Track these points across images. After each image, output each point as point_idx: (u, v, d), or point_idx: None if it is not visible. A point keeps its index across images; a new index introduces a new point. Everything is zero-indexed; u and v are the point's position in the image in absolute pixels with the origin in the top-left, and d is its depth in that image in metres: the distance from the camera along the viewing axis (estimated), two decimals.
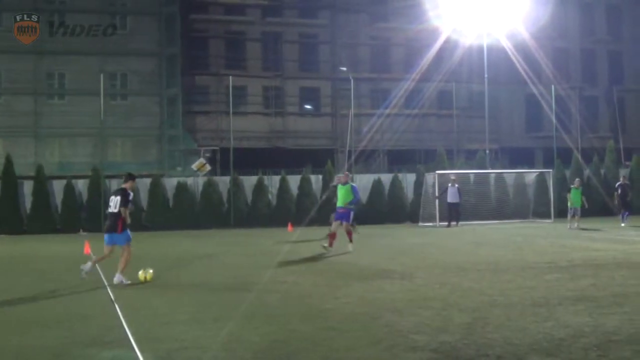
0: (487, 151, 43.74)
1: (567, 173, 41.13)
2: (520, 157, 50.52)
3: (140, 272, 14.35)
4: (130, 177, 14.96)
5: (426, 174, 38.14)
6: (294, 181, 38.85)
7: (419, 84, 49.60)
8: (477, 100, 50.14)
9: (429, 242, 24.59)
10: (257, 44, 52.52)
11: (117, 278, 14.09)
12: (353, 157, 42.46)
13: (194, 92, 50.47)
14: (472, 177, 39.37)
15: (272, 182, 39.36)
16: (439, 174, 36.42)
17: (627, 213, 32.04)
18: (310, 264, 17.31)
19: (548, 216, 36.67)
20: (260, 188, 38.48)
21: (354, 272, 15.31)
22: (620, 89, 57.35)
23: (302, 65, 53.41)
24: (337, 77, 51.69)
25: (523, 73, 46.77)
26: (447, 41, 47.53)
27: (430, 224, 35.07)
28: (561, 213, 35.34)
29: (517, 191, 39.94)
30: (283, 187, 38.67)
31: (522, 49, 47.68)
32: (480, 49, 45.18)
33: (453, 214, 34.57)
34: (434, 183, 36.33)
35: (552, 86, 45.10)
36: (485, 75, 44.13)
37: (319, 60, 53.74)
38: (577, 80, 56.96)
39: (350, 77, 44.59)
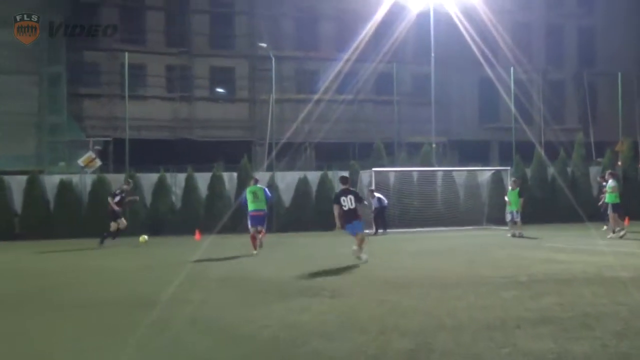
0: (434, 145, 44.20)
1: (529, 172, 41.80)
2: (473, 153, 51.20)
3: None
4: (347, 179, 22.47)
5: (361, 172, 38.33)
6: (203, 179, 38.67)
7: (353, 64, 49.85)
8: (422, 84, 50.59)
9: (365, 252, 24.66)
10: (159, 14, 52.12)
11: (356, 251, 20.77)
12: (274, 151, 42.44)
13: (82, 70, 49.85)
14: (415, 176, 39.68)
15: (177, 180, 39.12)
16: (377, 172, 36.61)
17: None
18: (222, 280, 17.19)
19: (505, 222, 37.18)
20: (161, 188, 38.21)
21: (274, 289, 15.25)
22: (591, 73, 58.39)
23: (214, 41, 53.17)
24: (256, 55, 51.62)
25: (477, 53, 47.34)
26: (387, 14, 47.75)
27: (367, 231, 35.18)
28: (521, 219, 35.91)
29: (468, 193, 40.43)
30: (190, 186, 38.44)
31: (477, 24, 48.21)
32: (426, 24, 45.49)
33: (378, 221, 35.33)
34: (370, 182, 36.49)
35: (512, 68, 45.79)
36: (432, 55, 44.48)
37: (234, 34, 53.58)
38: (540, 62, 57.97)
39: (272, 56, 44.59)
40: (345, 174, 26.83)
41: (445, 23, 46.34)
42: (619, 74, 47.55)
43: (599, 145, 51.00)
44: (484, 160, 49.82)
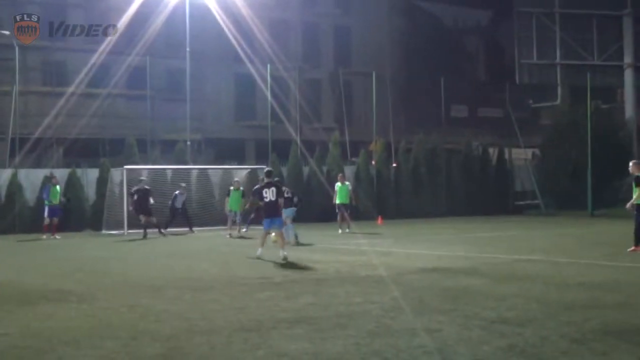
0: (189, 142, 44.12)
1: (284, 170, 42.47)
2: (229, 151, 51.50)
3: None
4: (271, 172, 23.19)
5: (112, 170, 37.83)
6: None
7: (106, 57, 48.82)
8: (176, 80, 50.38)
9: (114, 255, 24.37)
10: None
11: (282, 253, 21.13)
12: (19, 148, 41.02)
13: None
14: (169, 174, 39.49)
15: None
16: (128, 170, 36.22)
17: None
18: None
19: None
20: None
21: (16, 295, 14.85)
22: (346, 72, 60.16)
23: None
24: None
25: (237, 47, 47.61)
26: (142, 5, 47.15)
27: (117, 232, 34.85)
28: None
29: (224, 192, 40.57)
30: None
31: (234, 19, 48.48)
32: (182, 16, 45.29)
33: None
34: (122, 181, 36.11)
35: (268, 65, 46.36)
36: (187, 49, 44.41)
37: None
38: (297, 60, 59.01)
39: (15, 44, 43.07)
40: (270, 168, 26.80)
41: (201, 16, 46.35)
42: (373, 74, 49.03)
43: (354, 144, 52.49)
44: (240, 159, 50.20)
